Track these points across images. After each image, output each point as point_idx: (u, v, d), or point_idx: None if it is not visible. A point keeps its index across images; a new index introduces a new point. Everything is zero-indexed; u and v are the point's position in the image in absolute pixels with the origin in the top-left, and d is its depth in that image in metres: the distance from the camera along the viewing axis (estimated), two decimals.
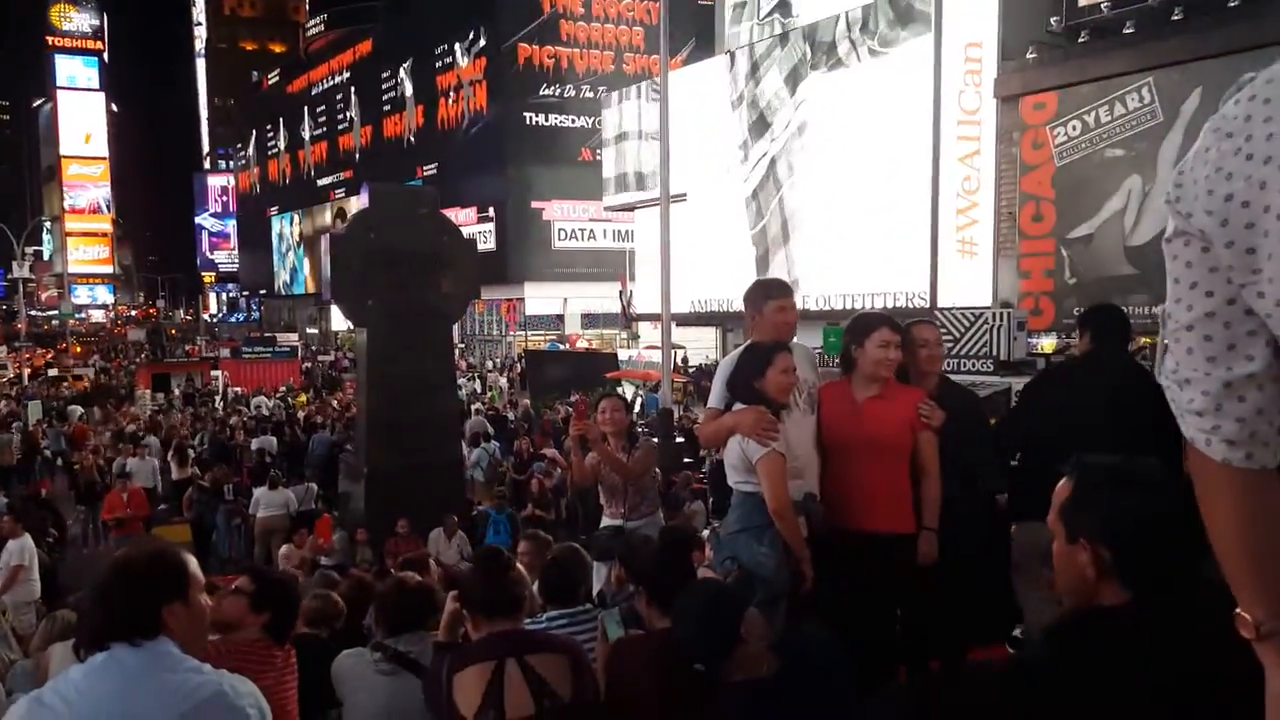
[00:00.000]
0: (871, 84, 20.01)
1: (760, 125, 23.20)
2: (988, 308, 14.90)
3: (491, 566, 2.29)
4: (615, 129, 29.57)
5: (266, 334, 39.86)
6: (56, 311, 70.30)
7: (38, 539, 9.22)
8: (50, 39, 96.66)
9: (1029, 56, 17.16)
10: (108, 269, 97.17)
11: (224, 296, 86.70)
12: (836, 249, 20.69)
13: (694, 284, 23.39)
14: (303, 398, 23.00)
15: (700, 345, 28.85)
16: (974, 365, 11.41)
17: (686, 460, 14.13)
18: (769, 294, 3.43)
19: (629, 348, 31.91)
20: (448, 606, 2.52)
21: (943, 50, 18.19)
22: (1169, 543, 1.24)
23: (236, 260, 78.34)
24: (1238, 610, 1.04)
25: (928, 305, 18.22)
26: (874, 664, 2.96)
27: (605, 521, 4.55)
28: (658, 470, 5.22)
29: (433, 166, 44.72)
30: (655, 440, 4.91)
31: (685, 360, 26.70)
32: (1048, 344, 16.33)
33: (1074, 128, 16.71)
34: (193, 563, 1.85)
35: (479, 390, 26.31)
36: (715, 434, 3.25)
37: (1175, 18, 14.90)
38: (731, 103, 23.83)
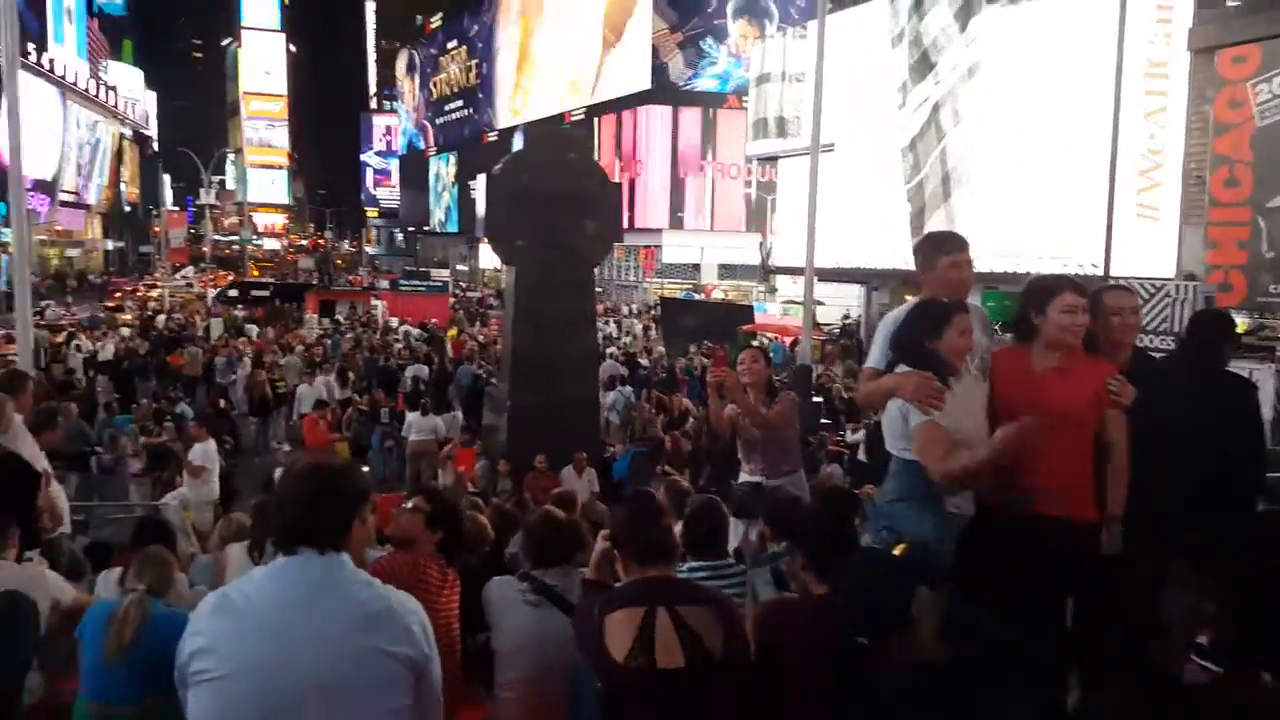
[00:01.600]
0: (1053, 23, 18.45)
1: (923, 65, 21.66)
2: (1169, 279, 13.73)
3: (644, 511, 2.28)
4: (759, 69, 28.67)
5: (421, 268, 41.63)
6: (237, 237, 75.79)
7: (217, 446, 10.08)
8: None
9: (1230, 4, 15.45)
10: (282, 199, 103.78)
11: (384, 231, 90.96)
12: (1001, 206, 19.47)
13: (838, 239, 22.61)
14: (452, 331, 23.93)
15: (838, 301, 28.08)
16: (1151, 341, 10.46)
17: (824, 421, 13.88)
18: (943, 248, 3.20)
19: (765, 300, 31.49)
20: (598, 545, 2.53)
21: None
22: None
23: (397, 197, 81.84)
24: None
25: (1100, 274, 16.99)
26: (1035, 659, 2.73)
27: (743, 477, 4.47)
28: (798, 426, 5.07)
29: (580, 110, 45.09)
30: (794, 395, 4.72)
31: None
32: (1241, 323, 14.94)
33: (1279, 84, 15.01)
34: (366, 484, 1.94)
35: (614, 335, 26.63)
36: (873, 395, 3.06)
37: None
38: (891, 39, 22.33)
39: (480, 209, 10.66)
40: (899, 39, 22.14)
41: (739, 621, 2.20)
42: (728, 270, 39.82)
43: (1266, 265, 15.28)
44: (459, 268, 57.99)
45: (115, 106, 60.11)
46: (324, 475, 1.84)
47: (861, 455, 11.47)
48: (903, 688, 1.90)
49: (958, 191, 21.01)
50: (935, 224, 20.95)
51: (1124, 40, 13.68)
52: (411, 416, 11.77)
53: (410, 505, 2.92)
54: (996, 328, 3.63)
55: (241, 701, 1.69)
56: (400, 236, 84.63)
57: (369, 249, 77.21)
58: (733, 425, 4.38)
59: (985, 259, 19.94)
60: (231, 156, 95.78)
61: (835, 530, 2.29)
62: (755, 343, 16.52)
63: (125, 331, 22.18)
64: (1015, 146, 19.15)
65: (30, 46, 43.24)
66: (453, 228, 63.28)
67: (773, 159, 28.77)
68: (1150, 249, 16.95)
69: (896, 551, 2.14)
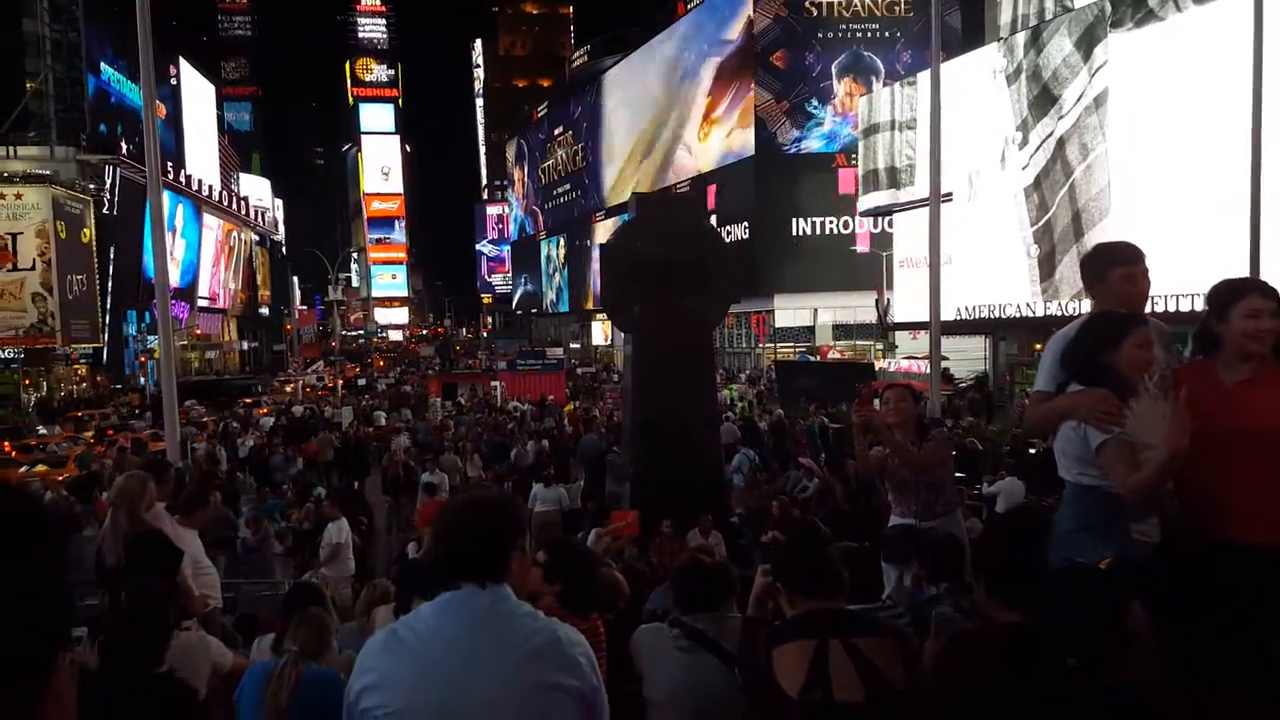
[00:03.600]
0: (1184, 43, 17.55)
1: (1044, 100, 21.00)
2: None
3: (808, 541, 2.17)
4: (866, 121, 28.52)
5: (536, 348, 42.82)
6: (362, 331, 80.00)
7: (352, 524, 10.39)
8: (354, 89, 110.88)
9: None
10: (402, 292, 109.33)
11: (499, 316, 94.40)
12: (1140, 241, 18.45)
13: (959, 290, 21.99)
14: (571, 405, 24.30)
15: (964, 356, 27.12)
16: None
17: (959, 475, 13.28)
18: (1116, 259, 3.02)
19: (884, 358, 30.71)
20: (758, 580, 2.43)
21: (1264, 10, 15.85)
22: None
23: (510, 282, 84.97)
24: None
25: None
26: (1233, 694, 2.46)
27: (894, 520, 4.27)
28: (952, 465, 4.81)
29: (685, 183, 45.92)
30: (948, 430, 4.50)
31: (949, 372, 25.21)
32: None
33: None
34: (522, 517, 1.89)
35: (729, 401, 26.46)
36: (1046, 418, 2.86)
37: None
38: (1007, 76, 21.91)
39: (595, 283, 10.78)
40: (1015, 75, 21.68)
41: (918, 654, 2.04)
42: (842, 330, 39.22)
43: None
44: (572, 346, 59.28)
45: (246, 215, 64.97)
46: (479, 507, 1.83)
47: (999, 507, 10.88)
48: (1127, 709, 1.70)
49: (1091, 230, 20.06)
50: (1067, 265, 20.06)
51: (1261, 57, 12.96)
52: (536, 488, 11.87)
53: (534, 558, 2.88)
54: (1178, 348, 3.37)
55: None
56: (515, 320, 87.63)
57: (485, 333, 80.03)
58: (880, 467, 4.20)
59: None
60: (355, 255, 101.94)
61: (1024, 552, 2.09)
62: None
63: (266, 423, 23.47)
64: (1151, 177, 18.24)
65: (169, 165, 47.58)
66: (564, 308, 65.00)
67: (886, 212, 28.44)
68: None
69: (1103, 566, 1.95)
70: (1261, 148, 13.41)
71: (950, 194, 20.22)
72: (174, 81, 54.25)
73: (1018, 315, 21.09)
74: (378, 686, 1.69)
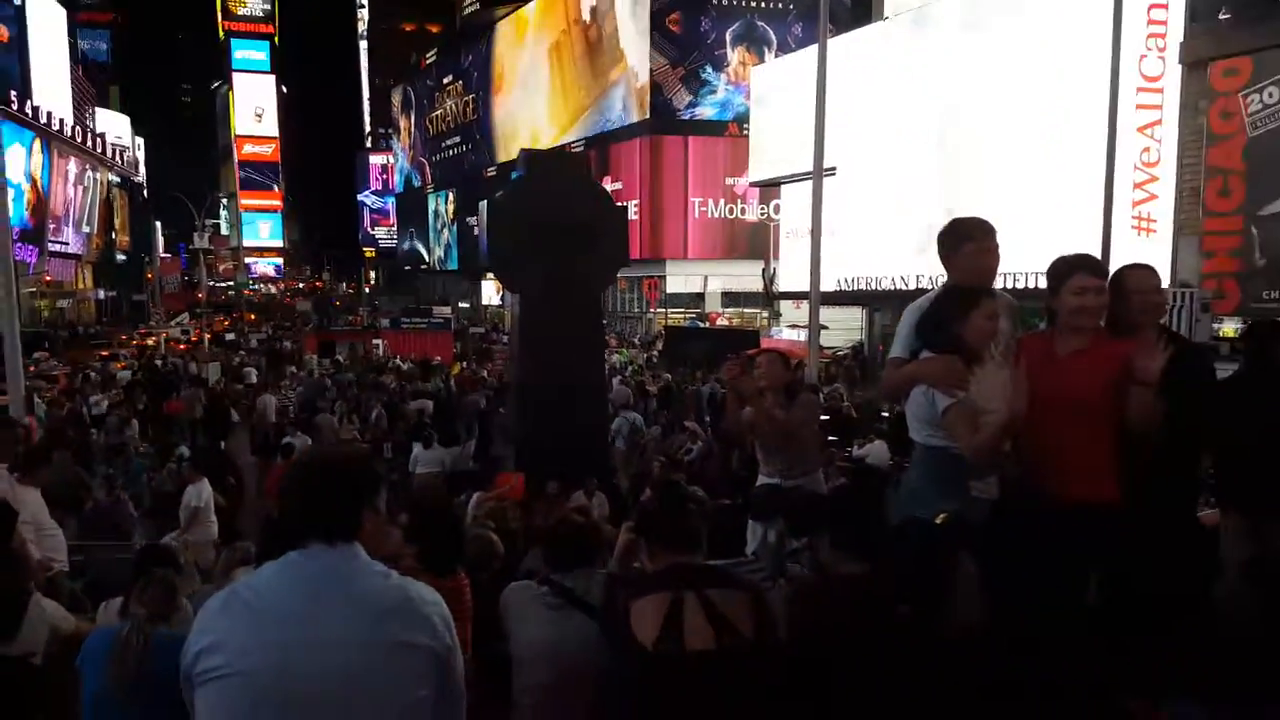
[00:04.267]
0: (1047, 39, 18.74)
1: (920, 87, 22.00)
2: (1165, 289, 13.78)
3: (671, 498, 2.22)
4: (757, 91, 28.89)
5: (422, 306, 41.81)
6: (232, 282, 76.14)
7: (220, 486, 9.95)
8: (225, 23, 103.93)
9: (1221, 17, 15.69)
10: (277, 243, 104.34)
11: (382, 271, 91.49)
12: (999, 224, 19.54)
13: (841, 262, 22.67)
14: (456, 367, 23.91)
15: (843, 326, 28.09)
16: None
17: (831, 438, 13.82)
18: (968, 235, 3.19)
19: (770, 326, 31.53)
20: (621, 537, 2.48)
21: (1123, 10, 16.90)
22: None
23: (395, 236, 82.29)
24: None
25: None
26: (1056, 636, 2.70)
27: (761, 479, 4.42)
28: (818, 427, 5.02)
29: (579, 142, 45.47)
30: (816, 395, 4.69)
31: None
32: (1229, 329, 15.05)
33: (1270, 94, 15.27)
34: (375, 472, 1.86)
35: (621, 365, 26.61)
36: (899, 383, 3.05)
37: None
38: (888, 62, 22.69)
39: (483, 241, 10.60)
40: (896, 61, 22.41)
41: (770, 606, 2.14)
42: (731, 298, 39.89)
43: (1259, 272, 15.36)
44: (461, 305, 58.20)
45: (103, 153, 60.28)
46: (328, 464, 1.78)
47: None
48: (953, 655, 1.87)
49: (958, 211, 21.03)
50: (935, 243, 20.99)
51: (1119, 54, 13.80)
52: (416, 449, 11.65)
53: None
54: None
55: (252, 698, 1.60)
56: (400, 276, 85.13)
57: (368, 289, 77.45)
58: (750, 428, 4.35)
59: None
60: (225, 201, 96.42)
61: (863, 508, 2.24)
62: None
63: (124, 378, 22.06)
64: (1011, 164, 19.30)
65: (12, 94, 43.72)
66: (453, 265, 63.54)
67: (775, 183, 28.96)
68: (1146, 261, 17.03)
69: (939, 520, 2.09)
70: (1117, 132, 14.34)
71: (834, 168, 20.75)
72: (16, 1, 49.51)
73: (893, 288, 21.98)
74: (216, 648, 1.63)
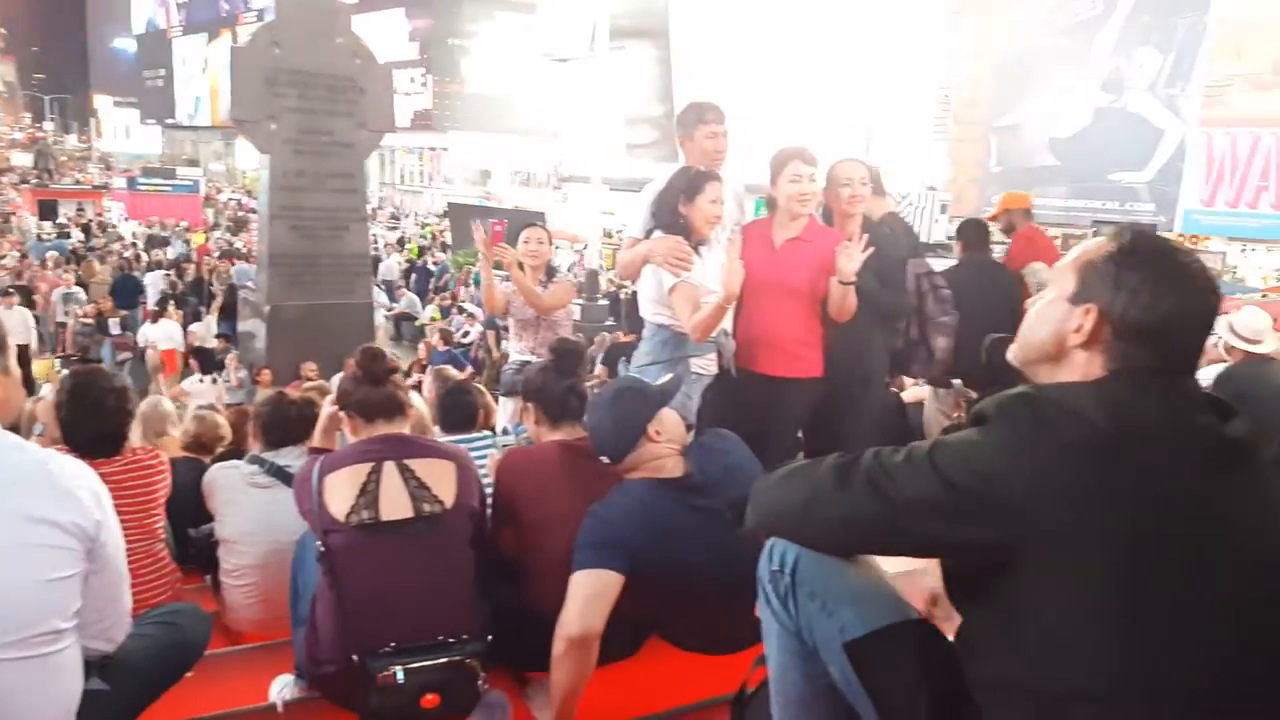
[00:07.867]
0: None
1: None
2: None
3: (371, 366, 2.13)
4: None
5: (165, 166, 37.43)
6: None
7: None
8: None
9: None
10: None
11: (123, 124, 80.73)
12: (768, 123, 20.43)
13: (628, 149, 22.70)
14: (200, 236, 21.84)
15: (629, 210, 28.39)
16: None
17: (609, 322, 14.19)
18: (701, 117, 3.25)
19: (558, 207, 31.23)
20: (324, 409, 2.37)
21: None
22: None
23: (136, 84, 72.39)
24: None
25: None
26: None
27: (513, 356, 4.42)
28: (573, 309, 5.08)
29: None
30: (575, 279, 4.73)
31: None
32: None
33: (1018, 15, 16.65)
34: (2, 328, 1.63)
35: (403, 239, 25.55)
36: (631, 262, 3.12)
37: None
38: None
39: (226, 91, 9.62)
40: None
41: (474, 473, 2.15)
42: (521, 176, 38.85)
43: (993, 178, 17.11)
44: (213, 167, 52.85)
45: None
46: None
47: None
48: (637, 498, 1.98)
49: (733, 108, 21.65)
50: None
51: None
52: (145, 326, 10.76)
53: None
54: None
55: None
56: (141, 129, 75.46)
57: (100, 143, 68.35)
58: (506, 304, 4.31)
59: (759, 172, 20.84)
60: None
61: (562, 376, 2.29)
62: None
63: None
64: (785, 63, 20.05)
65: None
66: (205, 121, 57.14)
67: (566, 59, 28.16)
68: (910, 164, 18.55)
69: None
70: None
71: (624, 45, 20.49)
72: None
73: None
74: None
